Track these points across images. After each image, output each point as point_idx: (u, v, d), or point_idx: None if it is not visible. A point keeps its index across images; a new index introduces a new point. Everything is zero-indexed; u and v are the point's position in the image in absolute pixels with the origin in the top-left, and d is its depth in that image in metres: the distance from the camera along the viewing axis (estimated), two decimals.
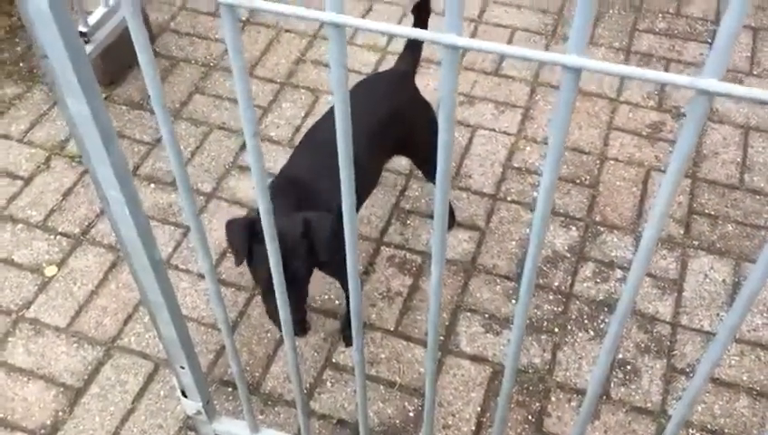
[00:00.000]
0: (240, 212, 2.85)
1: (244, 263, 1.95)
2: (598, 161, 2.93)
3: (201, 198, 2.89)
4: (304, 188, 2.05)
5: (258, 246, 1.90)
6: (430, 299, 1.30)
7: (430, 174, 2.62)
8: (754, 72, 3.25)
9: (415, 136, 2.38)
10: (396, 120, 2.28)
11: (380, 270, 2.63)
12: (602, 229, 2.72)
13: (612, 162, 2.92)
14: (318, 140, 2.19)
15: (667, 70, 3.24)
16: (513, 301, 2.55)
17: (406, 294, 2.59)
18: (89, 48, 3.03)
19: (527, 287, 1.23)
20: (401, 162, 2.94)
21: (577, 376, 2.36)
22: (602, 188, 2.84)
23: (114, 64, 3.22)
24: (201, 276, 2.64)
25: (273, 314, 2.01)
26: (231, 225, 1.95)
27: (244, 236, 1.91)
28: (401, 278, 2.63)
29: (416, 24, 2.33)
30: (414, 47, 2.38)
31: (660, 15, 3.51)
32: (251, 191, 2.89)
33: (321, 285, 2.61)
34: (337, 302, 2.58)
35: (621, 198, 2.81)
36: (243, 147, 3.06)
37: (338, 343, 2.46)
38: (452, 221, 2.75)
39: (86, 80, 1.20)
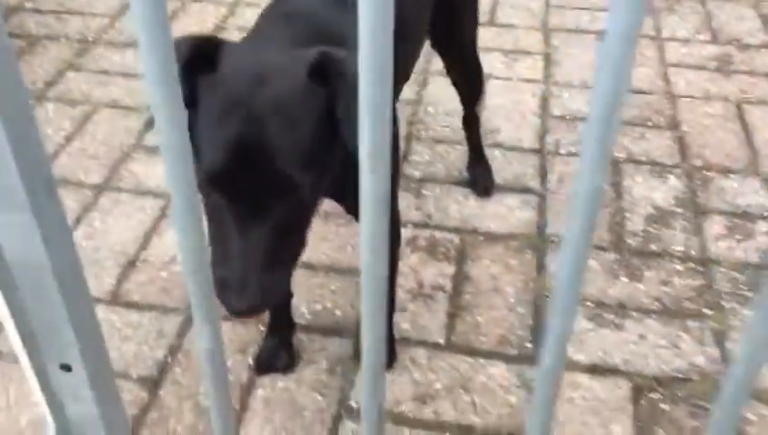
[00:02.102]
0: (154, 203, 1.77)
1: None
2: (665, 100, 2.09)
3: (87, 191, 1.80)
4: (312, 24, 1.05)
5: (208, 83, 0.85)
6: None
7: (460, 69, 1.66)
8: None
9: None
10: None
11: (400, 259, 1.61)
12: (711, 174, 1.84)
13: (687, 100, 2.09)
14: None
15: (704, 6, 2.53)
16: (624, 278, 1.58)
17: (450, 287, 1.56)
18: None
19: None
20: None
21: None
22: (687, 128, 1.99)
23: None
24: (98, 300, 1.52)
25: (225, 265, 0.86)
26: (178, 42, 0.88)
27: (185, 60, 0.83)
28: (436, 266, 1.61)
29: None
30: None
31: None
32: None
33: (308, 289, 1.55)
34: (337, 312, 1.51)
35: (719, 136, 1.96)
36: (150, 125, 2.01)
37: (352, 375, 1.39)
38: (490, 184, 1.80)
39: None
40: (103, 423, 0.75)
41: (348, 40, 0.97)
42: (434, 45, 1.57)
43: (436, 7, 1.40)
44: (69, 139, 1.97)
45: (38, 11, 2.53)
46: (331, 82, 0.84)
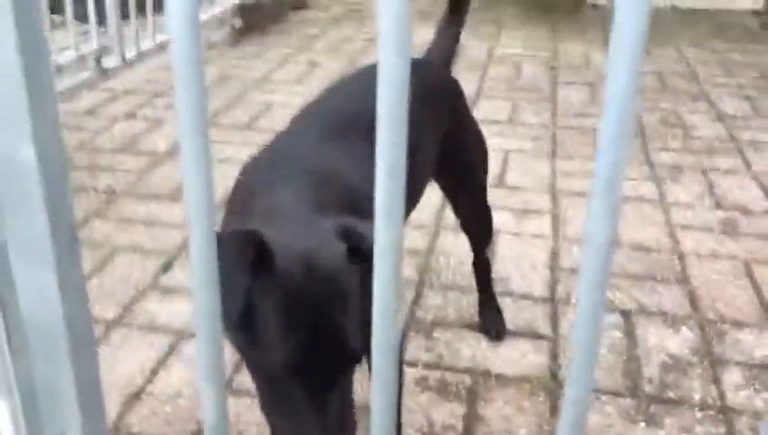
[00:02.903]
0: (163, 339, 1.76)
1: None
2: (674, 257, 2.12)
3: (99, 326, 1.80)
4: (322, 178, 1.09)
5: (267, 283, 0.89)
6: None
7: (469, 213, 1.71)
8: None
9: (461, 140, 1.54)
10: (439, 108, 1.46)
11: (410, 397, 1.57)
12: (725, 327, 1.82)
13: (695, 257, 2.12)
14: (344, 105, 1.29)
15: (706, 177, 2.63)
16: (642, 423, 1.53)
17: (461, 427, 1.51)
18: None
19: None
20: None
21: None
22: (697, 283, 2.00)
23: None
24: None
25: None
26: (226, 236, 0.89)
27: (246, 260, 0.87)
28: (447, 407, 1.57)
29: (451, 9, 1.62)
30: (451, 32, 1.64)
31: (670, 137, 3.00)
32: (183, 315, 1.84)
33: None
34: None
35: (730, 291, 1.97)
36: (167, 267, 2.05)
37: None
38: (502, 328, 1.79)
39: None
40: None
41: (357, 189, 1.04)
42: (443, 189, 1.63)
43: (443, 150, 1.46)
44: (87, 278, 2.00)
45: (72, 167, 2.67)
46: (364, 260, 0.89)
